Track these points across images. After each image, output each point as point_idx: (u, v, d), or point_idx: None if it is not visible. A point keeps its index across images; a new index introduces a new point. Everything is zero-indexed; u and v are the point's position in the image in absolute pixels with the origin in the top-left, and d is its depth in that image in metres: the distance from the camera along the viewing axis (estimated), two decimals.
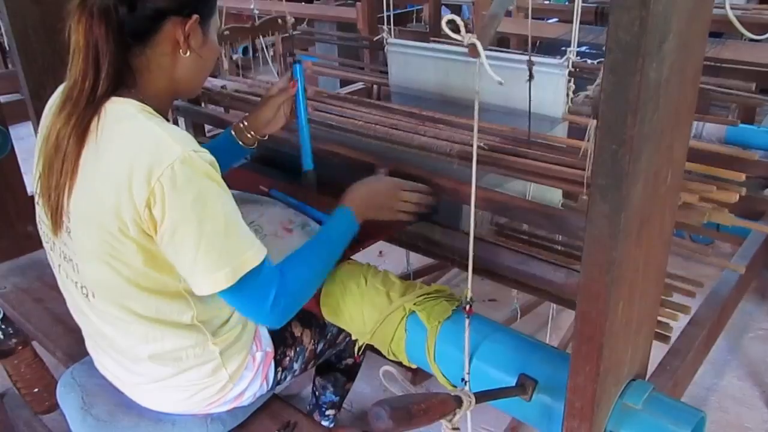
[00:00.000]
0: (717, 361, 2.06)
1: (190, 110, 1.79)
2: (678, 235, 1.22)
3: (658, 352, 1.10)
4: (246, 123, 1.32)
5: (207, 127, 1.95)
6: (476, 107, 0.80)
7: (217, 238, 0.92)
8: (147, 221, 0.90)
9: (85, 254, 0.98)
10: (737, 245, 1.66)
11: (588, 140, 1.06)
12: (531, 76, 1.19)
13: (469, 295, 0.85)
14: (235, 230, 0.94)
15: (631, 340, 0.79)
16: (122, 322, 1.02)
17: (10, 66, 4.11)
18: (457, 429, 0.78)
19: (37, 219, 1.08)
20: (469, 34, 0.75)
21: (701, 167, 1.12)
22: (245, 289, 0.95)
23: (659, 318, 1.03)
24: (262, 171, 1.59)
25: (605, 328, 0.69)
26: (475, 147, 0.82)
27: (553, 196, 1.39)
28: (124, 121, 0.93)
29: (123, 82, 0.95)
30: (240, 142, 1.31)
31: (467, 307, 0.85)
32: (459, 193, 1.22)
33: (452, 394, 0.76)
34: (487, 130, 1.37)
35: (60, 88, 1.02)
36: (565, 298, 1.17)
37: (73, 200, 0.95)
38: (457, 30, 0.74)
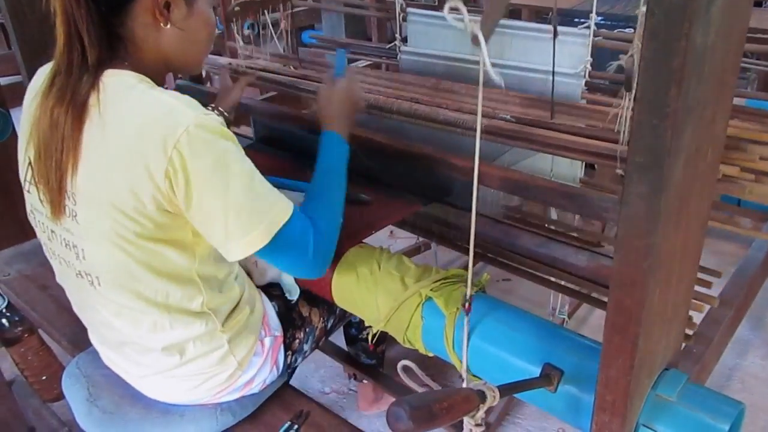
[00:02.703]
0: (740, 341, 2.01)
1: (192, 89, 1.72)
2: None
3: None
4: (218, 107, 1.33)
5: None
6: (479, 103, 0.74)
7: (244, 198, 0.88)
8: (167, 193, 0.86)
9: (94, 237, 0.92)
10: (758, 221, 1.60)
11: (621, 106, 1.00)
12: (555, 34, 1.13)
13: (469, 293, 0.80)
14: (260, 187, 0.91)
15: (665, 328, 0.74)
16: (130, 310, 0.98)
17: (12, 48, 4.06)
18: (480, 425, 0.73)
19: (29, 210, 1.03)
20: (473, 22, 0.71)
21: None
22: (283, 245, 0.92)
23: None
24: (268, 152, 1.54)
25: (641, 317, 0.64)
26: (478, 136, 0.76)
27: (573, 171, 1.34)
28: (126, 92, 0.88)
29: (116, 54, 0.90)
30: None
31: (466, 305, 0.80)
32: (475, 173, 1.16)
33: (474, 389, 0.71)
34: (509, 101, 1.30)
35: (41, 70, 0.97)
36: (586, 279, 1.11)
37: (79, 181, 0.90)
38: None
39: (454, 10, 0.71)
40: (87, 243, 0.94)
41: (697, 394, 0.78)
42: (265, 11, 1.75)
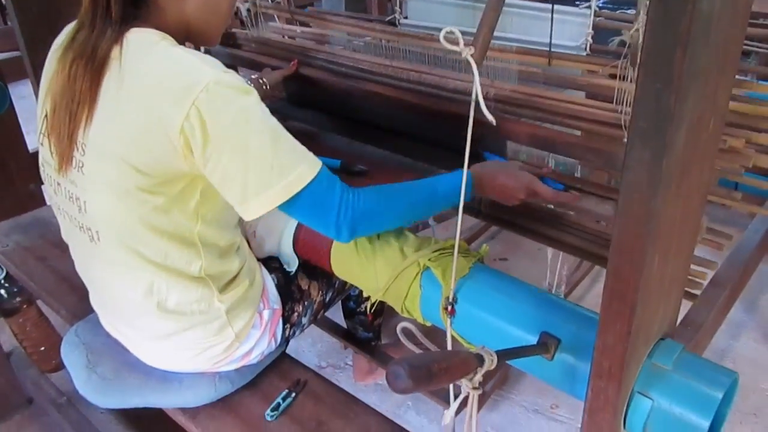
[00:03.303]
0: (733, 323, 2.03)
1: (221, 52, 1.71)
2: None
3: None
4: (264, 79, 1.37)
5: None
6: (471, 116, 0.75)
7: (265, 154, 0.86)
8: (181, 150, 0.86)
9: (98, 188, 0.92)
10: (756, 205, 1.61)
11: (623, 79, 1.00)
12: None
13: (452, 295, 0.80)
14: (284, 144, 0.88)
15: (663, 298, 0.75)
16: (128, 268, 0.98)
17: (9, 23, 4.04)
18: (478, 389, 0.74)
19: (40, 162, 1.04)
20: (467, 48, 0.81)
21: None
22: (304, 204, 0.89)
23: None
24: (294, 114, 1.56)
25: (639, 284, 0.65)
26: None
27: None
28: (149, 47, 0.88)
29: (139, 14, 0.91)
30: None
31: (449, 308, 0.81)
32: (502, 130, 1.15)
33: (473, 352, 0.72)
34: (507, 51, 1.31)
35: (67, 28, 0.97)
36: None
37: (91, 132, 0.90)
38: (455, 42, 0.80)
39: (450, 33, 0.75)
40: (90, 195, 0.94)
41: (692, 363, 0.79)
42: None
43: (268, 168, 0.86)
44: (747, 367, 1.87)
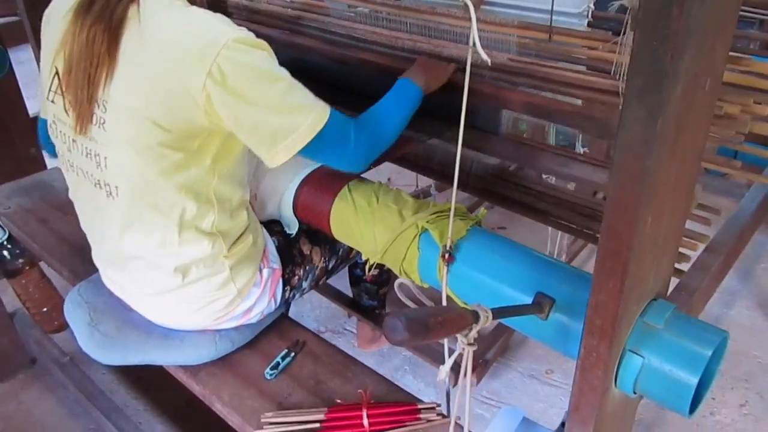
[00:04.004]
0: (728, 291, 2.05)
1: None
2: None
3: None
4: None
5: None
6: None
7: (287, 100, 0.94)
8: (203, 106, 0.90)
9: (119, 144, 0.95)
10: (755, 174, 1.62)
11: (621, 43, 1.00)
12: None
13: (449, 243, 0.82)
14: (300, 90, 0.96)
15: (657, 257, 0.76)
16: (143, 223, 1.01)
17: None
18: (473, 344, 0.76)
19: (50, 121, 1.05)
20: None
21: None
22: (326, 141, 0.97)
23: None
24: None
25: (632, 242, 0.66)
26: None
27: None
28: (166, 7, 0.93)
29: None
30: None
31: (446, 255, 0.82)
32: (497, 98, 1.17)
33: (469, 308, 0.74)
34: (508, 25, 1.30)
35: None
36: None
37: (112, 89, 0.93)
38: None
39: None
40: (111, 150, 0.96)
41: (683, 322, 0.80)
42: None
43: (290, 112, 0.93)
44: (740, 335, 1.90)
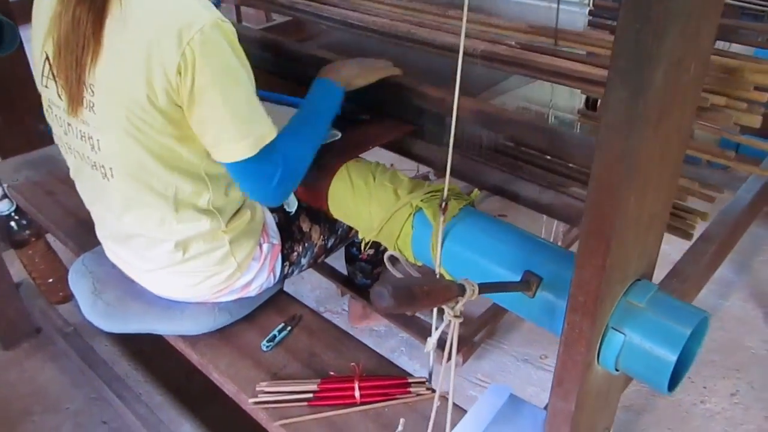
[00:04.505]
0: (723, 282, 2.07)
1: None
2: (693, 161, 1.18)
3: (662, 271, 1.11)
4: None
5: None
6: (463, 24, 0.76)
7: (243, 106, 0.94)
8: (177, 88, 0.90)
9: (110, 127, 0.96)
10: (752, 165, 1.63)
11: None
12: None
13: (446, 194, 0.84)
14: (256, 102, 0.96)
15: (640, 237, 0.78)
16: (140, 203, 1.03)
17: None
18: (459, 317, 0.79)
19: (45, 105, 1.07)
20: None
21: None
22: (260, 163, 0.97)
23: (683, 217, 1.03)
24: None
25: (614, 220, 0.68)
26: (460, 62, 0.78)
27: (573, 102, 1.36)
28: None
29: None
30: None
31: (443, 204, 0.85)
32: (445, 103, 1.17)
33: (456, 282, 0.76)
34: (512, 27, 1.31)
35: None
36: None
37: (98, 73, 0.94)
38: None
39: None
40: (102, 134, 0.98)
41: (665, 302, 0.82)
42: None
43: (243, 119, 0.94)
44: (734, 325, 1.92)
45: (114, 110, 0.94)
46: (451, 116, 0.86)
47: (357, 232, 1.38)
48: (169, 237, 1.06)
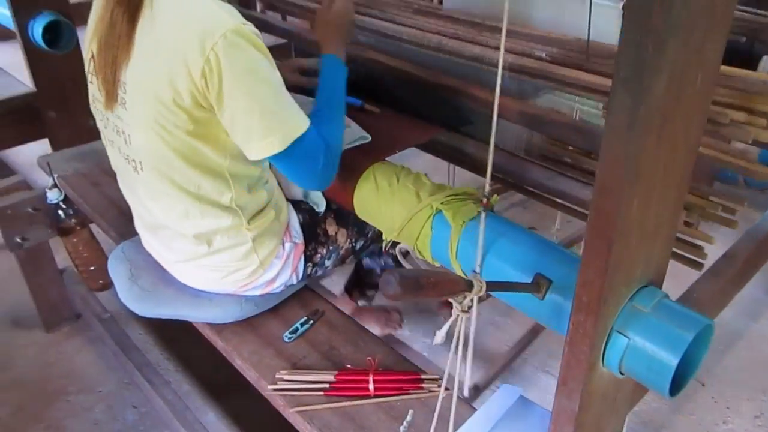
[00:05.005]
0: (753, 301, 2.04)
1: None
2: (730, 178, 1.19)
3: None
4: None
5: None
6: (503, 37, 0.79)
7: (269, 103, 0.98)
8: (202, 90, 0.96)
9: (139, 124, 1.03)
10: None
11: None
12: None
13: (487, 188, 0.88)
14: (284, 98, 1.00)
15: (645, 242, 0.81)
16: (166, 196, 1.09)
17: None
18: (467, 312, 0.82)
19: (90, 100, 1.15)
20: None
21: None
22: (297, 155, 1.02)
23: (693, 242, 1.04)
24: None
25: (617, 222, 0.71)
26: (500, 68, 0.82)
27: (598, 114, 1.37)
28: None
29: None
30: None
31: (484, 200, 0.88)
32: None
33: (464, 277, 0.80)
34: (545, 40, 1.33)
35: None
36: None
37: (130, 72, 1.01)
38: None
39: None
40: (133, 129, 1.05)
41: (670, 308, 0.84)
42: None
43: (269, 116, 0.98)
44: (762, 346, 1.89)
45: (142, 108, 1.01)
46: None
47: None
48: (193, 229, 1.12)
